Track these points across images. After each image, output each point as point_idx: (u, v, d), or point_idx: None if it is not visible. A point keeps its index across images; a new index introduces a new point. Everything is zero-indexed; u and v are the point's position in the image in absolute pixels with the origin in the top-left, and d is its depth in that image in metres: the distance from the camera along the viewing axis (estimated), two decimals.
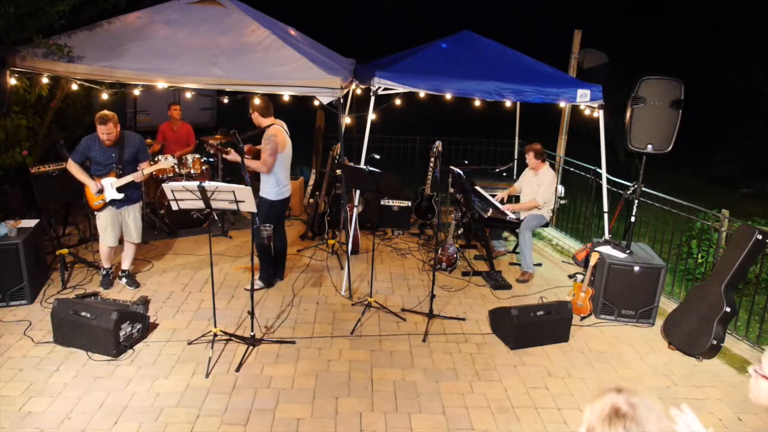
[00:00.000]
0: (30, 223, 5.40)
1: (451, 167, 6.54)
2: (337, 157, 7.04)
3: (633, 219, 5.58)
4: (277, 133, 5.17)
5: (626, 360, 4.75)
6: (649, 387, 4.35)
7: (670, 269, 6.03)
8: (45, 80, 5.93)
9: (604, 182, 6.31)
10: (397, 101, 6.31)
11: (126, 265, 5.56)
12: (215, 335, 4.51)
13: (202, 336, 4.62)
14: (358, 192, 6.09)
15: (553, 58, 7.02)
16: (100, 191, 5.16)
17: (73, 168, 5.15)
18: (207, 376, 4.15)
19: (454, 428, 3.75)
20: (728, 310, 4.64)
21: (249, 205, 4.21)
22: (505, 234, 7.31)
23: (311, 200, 7.66)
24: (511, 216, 6.20)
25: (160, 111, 9.49)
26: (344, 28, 19.69)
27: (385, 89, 5.67)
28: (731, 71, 14.46)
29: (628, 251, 5.48)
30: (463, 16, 15.67)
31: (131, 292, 5.44)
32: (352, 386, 4.14)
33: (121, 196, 5.19)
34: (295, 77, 5.25)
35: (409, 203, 7.64)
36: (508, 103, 6.33)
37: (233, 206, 4.22)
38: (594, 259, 5.46)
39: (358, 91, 6.83)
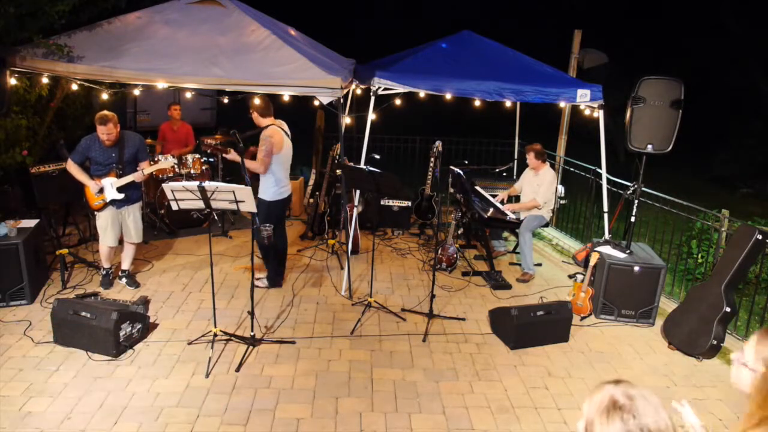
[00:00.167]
0: (30, 223, 5.40)
1: (451, 167, 6.54)
2: (337, 157, 7.04)
3: (633, 219, 5.58)
4: (273, 133, 5.16)
5: (626, 360, 4.75)
6: (649, 387, 4.32)
7: (670, 269, 6.03)
8: (45, 80, 5.93)
9: (604, 182, 6.31)
10: (397, 101, 6.31)
11: (126, 265, 5.56)
12: (215, 335, 4.51)
13: (202, 336, 4.62)
14: (358, 192, 6.09)
15: (553, 58, 7.02)
16: (101, 191, 5.16)
17: (73, 168, 5.15)
18: (207, 376, 4.15)
19: (454, 428, 3.75)
20: (728, 310, 4.64)
21: (249, 205, 4.21)
22: (505, 234, 7.32)
23: (311, 200, 7.66)
24: (511, 216, 6.20)
25: (160, 111, 9.49)
26: (344, 28, 19.69)
27: (385, 89, 5.67)
28: (731, 71, 14.46)
29: (628, 251, 5.48)
30: (463, 16, 15.67)
31: (131, 292, 5.44)
32: (352, 386, 4.14)
33: (121, 196, 5.19)
34: (295, 77, 5.25)
35: (409, 203, 7.64)
36: (508, 103, 6.33)
37: (233, 206, 4.22)
38: (594, 259, 5.46)
39: (358, 91, 6.83)
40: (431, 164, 7.39)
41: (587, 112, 6.37)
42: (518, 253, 6.52)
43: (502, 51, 6.67)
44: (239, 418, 3.72)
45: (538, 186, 6.30)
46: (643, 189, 5.64)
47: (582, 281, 5.55)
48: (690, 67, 13.23)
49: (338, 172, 6.82)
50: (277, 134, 5.18)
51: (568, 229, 7.81)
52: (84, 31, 5.56)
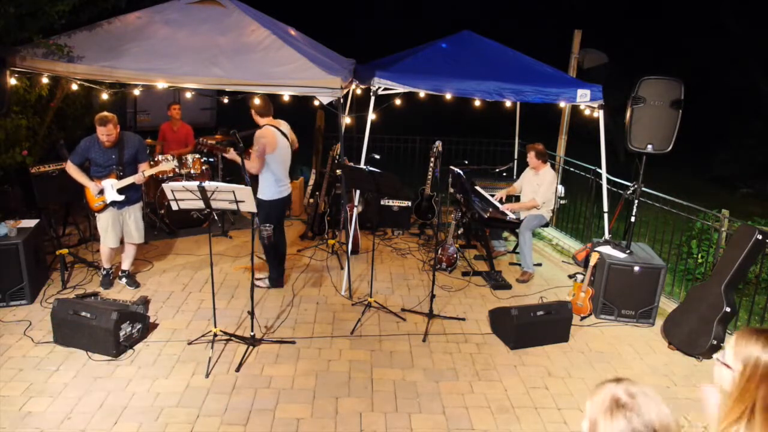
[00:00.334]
0: (30, 223, 5.40)
1: (451, 167, 6.54)
2: (337, 157, 7.04)
3: (633, 219, 5.58)
4: (266, 134, 5.15)
5: (626, 360, 4.75)
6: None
7: (670, 269, 6.03)
8: (45, 80, 5.93)
9: (604, 182, 6.31)
10: (397, 101, 6.31)
11: (126, 265, 5.56)
12: (215, 335, 4.51)
13: (202, 336, 4.62)
14: (358, 192, 6.09)
15: (553, 58, 7.02)
16: (101, 193, 5.15)
17: (72, 170, 5.15)
18: (207, 376, 4.15)
19: (454, 428, 3.75)
20: (728, 310, 4.64)
21: (249, 205, 4.21)
22: (505, 234, 7.31)
23: (311, 200, 7.66)
24: (511, 216, 6.20)
25: (160, 111, 9.49)
26: (344, 28, 19.69)
27: (385, 89, 5.67)
28: (731, 71, 14.46)
29: (628, 251, 5.48)
30: (463, 16, 15.67)
31: (131, 292, 5.44)
32: (352, 386, 4.14)
33: (121, 197, 5.19)
34: (295, 77, 5.25)
35: (409, 203, 7.64)
36: (508, 103, 6.33)
37: (233, 206, 4.22)
38: (594, 259, 5.46)
39: (358, 91, 6.83)
40: (431, 164, 7.39)
41: (587, 112, 6.37)
42: (518, 253, 6.52)
43: (502, 51, 6.67)
44: (239, 418, 3.72)
45: (538, 186, 6.30)
46: (643, 189, 5.64)
47: (582, 281, 5.55)
48: (690, 67, 13.23)
49: (338, 172, 6.81)
50: (269, 134, 5.16)
51: (568, 229, 7.81)
52: (84, 31, 5.56)
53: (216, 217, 7.14)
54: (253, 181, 5.20)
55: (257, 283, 5.45)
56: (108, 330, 4.26)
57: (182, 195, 4.21)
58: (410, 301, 5.55)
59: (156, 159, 6.76)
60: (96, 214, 5.28)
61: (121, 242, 5.45)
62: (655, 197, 6.02)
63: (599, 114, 6.09)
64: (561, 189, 7.33)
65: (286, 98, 5.64)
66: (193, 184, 4.11)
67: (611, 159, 6.58)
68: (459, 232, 7.12)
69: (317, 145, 8.49)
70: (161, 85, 5.32)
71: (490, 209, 6.22)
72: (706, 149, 13.61)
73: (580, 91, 5.92)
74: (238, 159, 4.67)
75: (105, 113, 5.01)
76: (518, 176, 7.17)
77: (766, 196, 12.30)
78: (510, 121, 8.64)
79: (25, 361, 4.23)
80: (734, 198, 12.27)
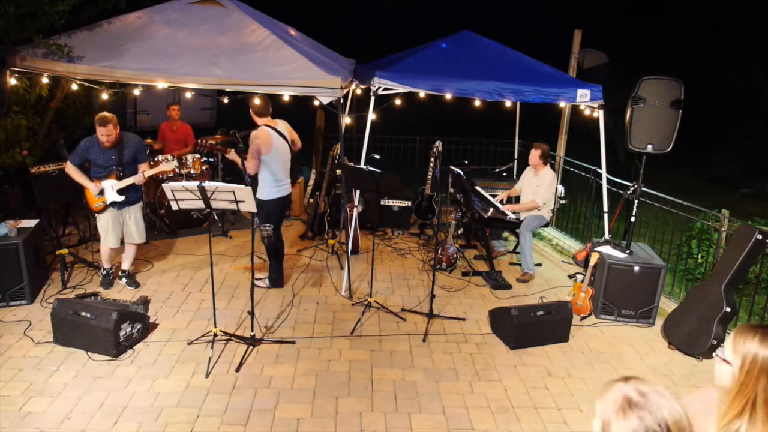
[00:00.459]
0: (30, 223, 5.40)
1: (451, 167, 6.53)
2: (337, 157, 7.03)
3: (633, 219, 5.58)
4: (260, 135, 5.14)
5: (626, 360, 4.75)
6: None
7: (670, 269, 6.03)
8: (45, 80, 5.93)
9: (604, 182, 6.31)
10: (397, 101, 6.31)
11: (126, 265, 5.56)
12: (215, 335, 4.51)
13: (202, 336, 4.62)
14: (358, 192, 6.09)
15: (553, 58, 7.02)
16: (101, 193, 5.15)
17: (72, 170, 5.14)
18: (207, 376, 4.15)
19: (454, 428, 3.75)
20: (728, 310, 4.64)
21: (249, 205, 4.21)
22: (505, 234, 7.31)
23: (311, 200, 7.66)
24: (511, 216, 6.19)
25: (160, 111, 9.48)
26: (344, 28, 19.69)
27: (385, 89, 5.67)
28: (731, 71, 14.46)
29: (628, 251, 5.48)
30: (463, 16, 15.67)
31: (131, 292, 5.44)
32: (352, 386, 4.14)
33: (122, 198, 5.19)
34: (295, 77, 5.25)
35: (409, 203, 7.64)
36: (508, 103, 6.33)
37: (233, 206, 4.22)
38: (594, 259, 5.46)
39: (358, 91, 6.83)
40: (431, 164, 7.39)
41: (587, 112, 6.37)
42: (518, 253, 6.52)
43: (502, 51, 6.67)
44: (239, 418, 3.72)
45: (538, 187, 6.30)
46: (643, 189, 5.64)
47: (582, 281, 5.55)
48: (690, 67, 13.23)
49: (338, 172, 6.81)
50: (263, 135, 5.16)
51: (568, 229, 7.81)
52: (84, 31, 5.56)
53: (216, 217, 7.14)
54: (254, 181, 5.21)
55: (257, 283, 5.45)
56: (108, 330, 4.26)
57: (182, 195, 4.21)
58: (410, 301, 5.55)
59: (156, 159, 6.76)
60: (96, 214, 5.28)
61: (121, 242, 5.45)
62: (655, 197, 6.02)
63: (599, 114, 6.09)
64: (561, 189, 7.32)
65: (286, 98, 5.64)
66: (193, 184, 4.11)
67: (611, 159, 6.58)
68: (459, 232, 7.12)
69: (317, 145, 8.49)
70: (161, 85, 5.32)
71: (491, 209, 6.22)
72: (706, 149, 13.61)
73: (580, 91, 5.92)
74: (239, 159, 4.67)
75: (105, 113, 5.01)
76: (518, 176, 7.17)
77: (766, 196, 12.31)
78: (510, 121, 8.64)
79: (25, 361, 4.23)
80: (734, 198, 12.27)
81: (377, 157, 5.65)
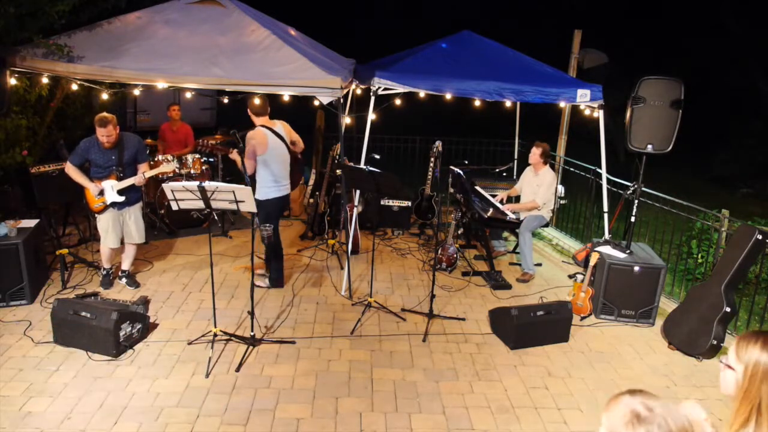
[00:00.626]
0: (30, 223, 5.40)
1: (451, 167, 6.53)
2: (337, 157, 7.03)
3: (633, 219, 5.58)
4: (255, 135, 5.15)
5: (626, 360, 4.75)
6: (649, 387, 4.32)
7: (670, 269, 6.03)
8: (45, 80, 5.93)
9: (604, 182, 6.31)
10: (397, 101, 6.30)
11: (126, 265, 5.56)
12: (215, 335, 4.51)
13: (202, 336, 4.62)
14: (358, 192, 6.09)
15: (553, 58, 7.02)
16: (101, 193, 5.15)
17: (72, 171, 5.14)
18: (207, 376, 4.15)
19: (454, 428, 3.75)
20: (728, 310, 4.64)
21: (249, 205, 4.21)
22: (505, 234, 7.31)
23: (311, 200, 7.66)
24: (511, 216, 6.20)
25: (160, 111, 9.49)
26: (344, 28, 19.70)
27: (385, 89, 5.67)
28: (731, 71, 14.47)
29: (628, 251, 5.48)
30: (463, 16, 15.68)
31: (131, 292, 5.44)
32: (352, 386, 4.14)
33: (122, 198, 5.19)
34: (295, 77, 5.25)
35: (409, 203, 7.64)
36: (508, 103, 6.33)
37: (233, 206, 4.22)
38: (594, 259, 5.46)
39: (358, 91, 6.83)
40: (431, 164, 7.39)
41: (587, 112, 6.36)
42: (518, 253, 6.52)
43: (502, 51, 6.67)
44: (239, 418, 3.72)
45: (538, 187, 6.30)
46: (643, 189, 5.64)
47: (582, 281, 5.55)
48: (690, 67, 13.24)
49: (338, 172, 6.81)
50: (258, 136, 5.16)
51: (568, 229, 7.81)
52: (84, 31, 5.56)
53: (216, 217, 7.14)
54: (254, 182, 5.21)
55: (257, 283, 5.45)
56: (108, 330, 4.26)
57: (182, 195, 4.21)
58: (410, 301, 5.55)
59: (156, 159, 6.76)
60: (96, 214, 5.28)
61: (121, 242, 5.45)
62: (655, 197, 6.02)
63: (599, 114, 6.09)
64: (561, 189, 7.32)
65: (286, 98, 5.64)
66: (193, 184, 4.11)
67: (611, 159, 6.58)
68: (459, 232, 7.12)
69: (317, 145, 8.49)
70: (161, 85, 5.32)
71: (491, 209, 6.22)
72: (706, 149, 13.61)
73: (580, 91, 5.92)
74: (239, 159, 4.67)
75: (105, 114, 5.01)
76: (518, 176, 7.17)
77: (766, 196, 12.31)
78: (510, 121, 8.64)
79: (25, 361, 4.23)
80: (734, 198, 12.27)
81: (377, 157, 5.65)
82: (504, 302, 5.58)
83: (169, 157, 6.29)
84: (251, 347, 4.52)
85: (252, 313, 4.58)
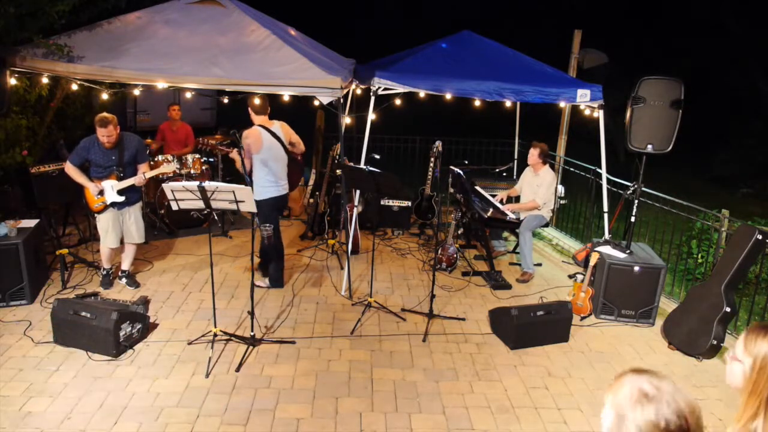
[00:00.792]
0: (30, 223, 5.40)
1: (451, 167, 6.53)
2: (337, 157, 7.03)
3: (633, 219, 5.58)
4: (250, 135, 5.14)
5: (626, 360, 4.75)
6: None
7: (670, 269, 6.03)
8: (45, 80, 5.93)
9: (604, 182, 6.31)
10: (397, 101, 6.30)
11: (126, 265, 5.56)
12: (215, 335, 4.51)
13: (202, 336, 4.62)
14: (358, 192, 6.09)
15: (553, 58, 7.02)
16: (101, 193, 5.15)
17: (72, 170, 5.13)
18: (207, 376, 4.15)
19: (454, 428, 3.75)
20: (728, 310, 4.64)
21: (249, 205, 4.21)
22: (505, 234, 7.31)
23: (311, 200, 7.66)
24: (511, 216, 6.20)
25: (160, 111, 9.49)
26: (344, 28, 19.71)
27: (385, 89, 5.67)
28: (731, 71, 14.47)
29: (628, 251, 5.48)
30: (463, 16, 15.69)
31: (131, 292, 5.44)
32: (352, 386, 4.14)
33: (122, 198, 5.19)
34: (295, 77, 5.25)
35: (409, 203, 7.64)
36: (508, 103, 6.33)
37: (233, 206, 4.22)
38: (594, 259, 5.46)
39: (358, 91, 6.83)
40: (431, 164, 7.39)
41: (587, 112, 6.36)
42: (518, 253, 6.52)
43: (502, 51, 6.67)
44: (239, 418, 3.72)
45: (538, 187, 6.30)
46: (643, 189, 5.64)
47: (582, 281, 5.55)
48: (690, 67, 13.24)
49: (338, 172, 6.81)
50: (253, 135, 5.16)
51: (568, 229, 7.81)
52: (84, 31, 5.56)
53: (216, 217, 7.14)
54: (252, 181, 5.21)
55: (257, 283, 5.45)
56: (108, 330, 4.26)
57: (182, 195, 4.21)
58: (410, 301, 5.55)
59: (156, 159, 6.76)
60: (96, 214, 5.28)
61: (121, 242, 5.45)
62: (655, 197, 6.02)
63: (599, 114, 6.09)
64: (561, 189, 7.33)
65: (286, 98, 5.64)
66: (193, 184, 4.11)
67: (611, 159, 6.58)
68: (459, 232, 7.12)
69: (317, 145, 8.49)
70: (161, 85, 5.32)
71: (491, 209, 6.22)
72: (706, 149, 13.61)
73: (580, 91, 5.92)
74: (239, 159, 4.67)
75: (105, 114, 5.01)
76: (518, 176, 7.17)
77: (766, 196, 12.31)
78: (510, 121, 8.64)
79: (25, 361, 4.23)
80: (734, 198, 12.27)
81: (377, 157, 5.65)
82: (504, 302, 5.58)
83: (169, 158, 6.30)
84: (251, 347, 4.52)
85: (252, 313, 4.58)
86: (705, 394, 4.29)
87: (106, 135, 4.97)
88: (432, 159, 7.26)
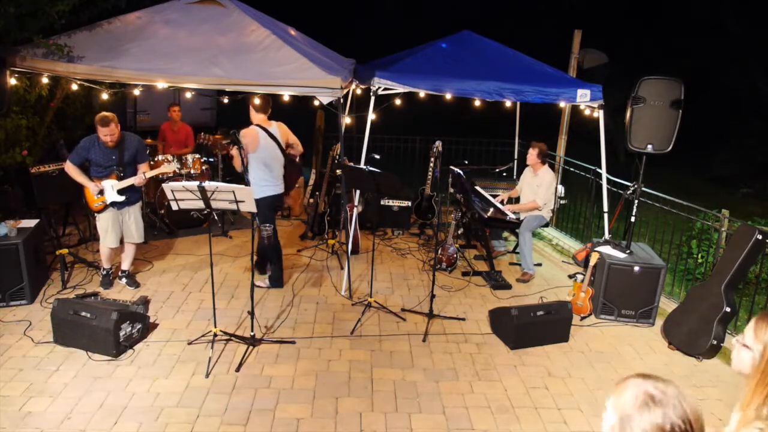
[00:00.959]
0: (30, 223, 5.39)
1: (451, 167, 6.53)
2: (337, 157, 7.03)
3: (633, 219, 5.58)
4: (247, 134, 5.14)
5: (626, 360, 4.75)
6: None
7: (670, 269, 6.03)
8: (45, 80, 5.93)
9: (604, 182, 6.31)
10: (397, 101, 6.30)
11: (126, 265, 5.56)
12: (215, 335, 4.51)
13: (202, 336, 4.62)
14: (358, 192, 6.09)
15: (553, 58, 7.02)
16: (101, 193, 5.15)
17: (72, 170, 5.13)
18: (207, 376, 4.15)
19: (454, 428, 3.75)
20: (728, 310, 4.64)
21: (249, 205, 4.21)
22: (505, 234, 7.32)
23: (311, 200, 7.66)
24: (511, 216, 6.20)
25: (160, 111, 9.49)
26: (344, 28, 19.71)
27: (385, 89, 5.67)
28: (731, 71, 14.47)
29: (628, 251, 5.48)
30: (463, 16, 15.68)
31: (131, 292, 5.44)
32: (352, 386, 4.14)
33: (122, 198, 5.19)
34: (295, 77, 5.25)
35: (409, 203, 7.64)
36: (508, 103, 6.33)
37: (233, 206, 4.22)
38: (594, 259, 5.46)
39: (358, 91, 6.83)
40: (431, 164, 7.39)
41: (587, 112, 6.36)
42: (518, 253, 6.52)
43: (502, 51, 6.67)
44: (239, 418, 3.72)
45: (537, 187, 6.30)
46: (643, 189, 5.64)
47: (582, 281, 5.55)
48: (690, 67, 13.24)
49: (338, 172, 6.81)
50: (250, 134, 5.16)
51: (568, 229, 7.81)
52: (84, 31, 5.56)
53: (216, 217, 7.14)
54: None
55: (257, 282, 5.45)
56: (108, 330, 4.26)
57: (182, 195, 4.21)
58: (410, 301, 5.55)
59: (156, 159, 6.76)
60: (96, 214, 5.28)
61: (121, 242, 5.45)
62: (655, 197, 6.02)
63: (599, 114, 6.09)
64: (561, 189, 7.33)
65: (286, 98, 5.63)
66: (193, 184, 4.11)
67: (611, 159, 6.58)
68: (459, 232, 7.12)
69: (317, 145, 8.49)
70: (161, 85, 5.32)
71: (491, 209, 6.21)
72: (706, 149, 13.61)
73: (580, 91, 5.92)
74: (238, 157, 4.67)
75: (105, 113, 5.00)
76: (518, 176, 7.17)
77: (766, 196, 12.31)
78: (510, 121, 8.64)
79: (25, 361, 4.23)
80: (734, 198, 12.27)
81: (377, 157, 5.65)
82: (504, 302, 5.58)
83: (170, 158, 6.29)
84: (251, 347, 4.52)
85: (252, 313, 4.58)
86: (705, 394, 4.29)
87: (108, 134, 4.97)
88: (432, 159, 7.26)
